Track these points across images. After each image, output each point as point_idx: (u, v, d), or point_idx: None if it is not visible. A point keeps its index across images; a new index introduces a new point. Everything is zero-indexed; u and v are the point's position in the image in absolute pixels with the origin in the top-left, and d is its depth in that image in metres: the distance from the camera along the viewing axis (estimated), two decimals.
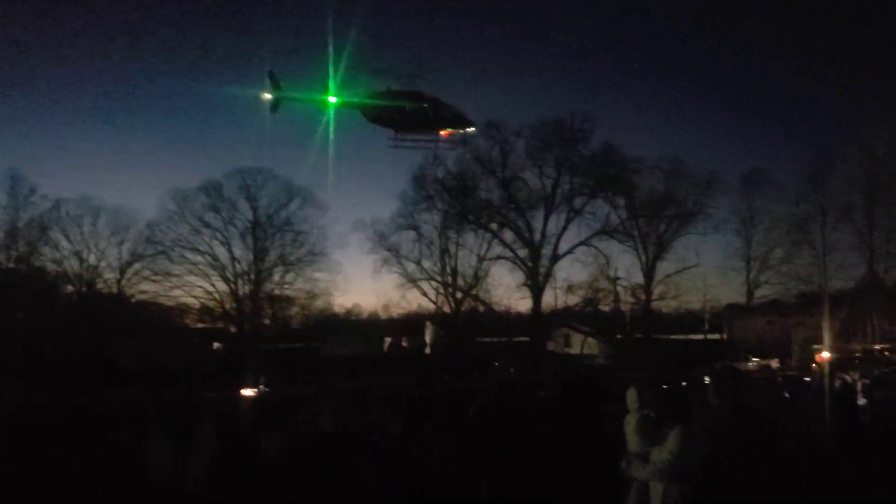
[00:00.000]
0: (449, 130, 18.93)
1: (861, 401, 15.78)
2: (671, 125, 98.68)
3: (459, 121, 18.65)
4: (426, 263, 52.47)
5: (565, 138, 50.29)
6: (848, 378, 18.71)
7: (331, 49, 18.06)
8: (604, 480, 5.83)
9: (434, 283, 53.05)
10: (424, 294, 53.19)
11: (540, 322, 50.20)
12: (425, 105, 17.66)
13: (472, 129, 20.98)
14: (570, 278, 52.52)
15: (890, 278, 49.65)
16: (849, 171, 47.78)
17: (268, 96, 17.30)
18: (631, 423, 5.54)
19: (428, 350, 55.40)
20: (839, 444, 11.55)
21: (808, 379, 20.22)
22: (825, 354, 27.20)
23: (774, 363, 27.78)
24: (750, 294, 52.69)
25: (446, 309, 53.12)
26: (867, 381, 18.39)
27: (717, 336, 51.67)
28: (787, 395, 18.09)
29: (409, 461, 8.31)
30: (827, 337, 31.18)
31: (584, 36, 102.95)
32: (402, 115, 17.70)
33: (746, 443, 4.97)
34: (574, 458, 6.24)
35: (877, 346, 36.57)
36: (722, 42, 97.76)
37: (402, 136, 18.40)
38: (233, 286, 50.09)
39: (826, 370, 15.82)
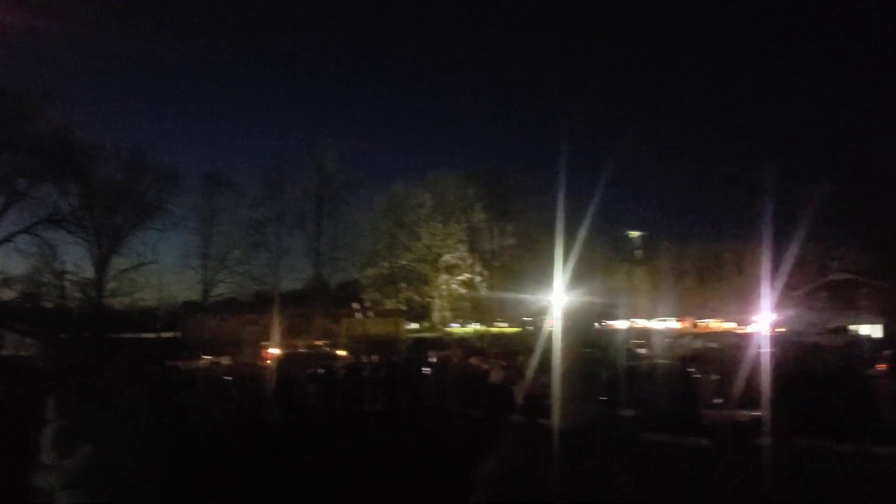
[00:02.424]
0: None
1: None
2: (140, 115, 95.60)
3: None
4: None
5: (11, 114, 44.18)
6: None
7: None
8: None
9: None
10: None
11: None
12: None
13: None
14: (6, 270, 46.54)
15: (334, 281, 57.00)
16: (302, 181, 53.47)
17: None
18: (47, 434, 5.27)
19: None
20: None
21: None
22: (274, 350, 29.57)
23: (226, 360, 28.88)
24: (206, 292, 54.21)
25: None
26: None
27: (171, 334, 51.60)
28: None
29: None
30: (275, 334, 34.04)
31: None
32: None
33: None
34: None
35: (319, 342, 41.22)
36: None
37: None
38: None
39: (275, 364, 16.95)
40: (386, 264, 54.89)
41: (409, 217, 55.22)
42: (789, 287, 42.98)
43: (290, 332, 40.72)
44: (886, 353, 15.82)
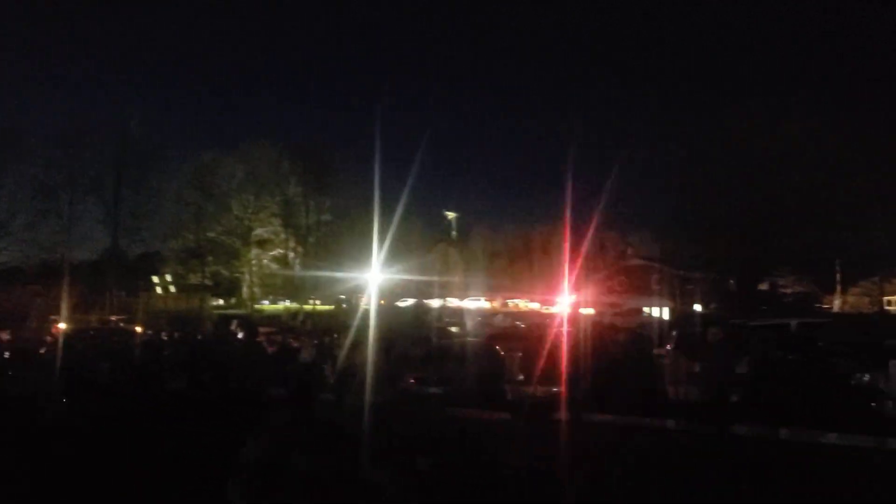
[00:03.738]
0: None
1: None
2: None
3: None
4: None
5: None
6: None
7: None
8: None
9: None
10: None
11: None
12: None
13: None
14: None
15: (133, 252, 53.56)
16: (101, 146, 49.57)
17: None
18: None
19: None
20: None
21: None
22: (62, 325, 27.38)
23: (5, 335, 26.36)
24: None
25: None
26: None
27: None
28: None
29: None
30: (64, 308, 31.57)
31: None
32: None
33: None
34: None
35: (113, 317, 38.71)
36: None
37: None
38: None
39: (62, 340, 15.86)
40: (191, 236, 52.35)
41: (219, 188, 52.93)
42: (591, 270, 46.29)
43: (82, 306, 37.99)
44: (671, 334, 17.42)
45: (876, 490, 7.81)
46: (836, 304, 51.59)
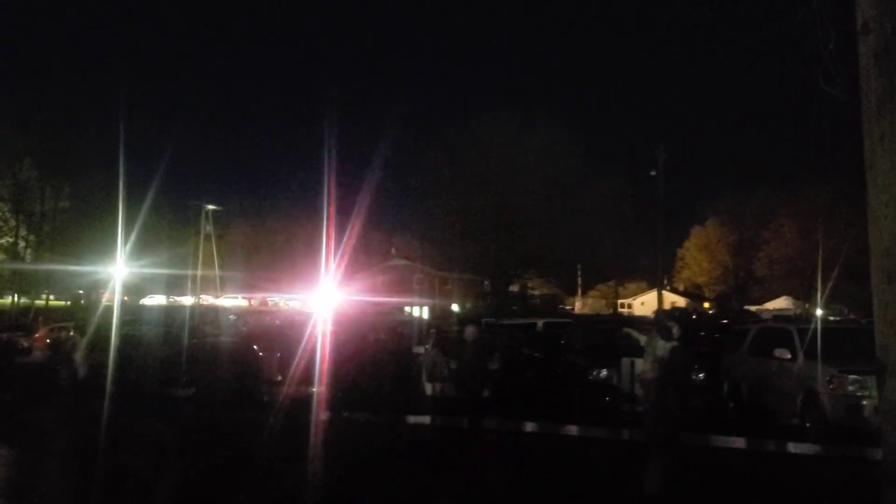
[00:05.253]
0: None
1: None
2: None
3: None
4: None
5: None
6: None
7: None
8: None
9: None
10: None
11: None
12: None
13: None
14: None
15: None
16: None
17: None
18: None
19: None
20: None
21: None
22: None
23: None
24: None
25: None
26: None
27: None
28: None
29: None
30: None
31: None
32: None
33: None
34: None
35: None
36: None
37: None
38: None
39: None
40: None
41: None
42: (355, 269, 46.58)
43: None
44: (429, 332, 17.96)
45: (612, 477, 8.56)
46: (578, 305, 56.52)
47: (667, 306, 43.17)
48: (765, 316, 37.31)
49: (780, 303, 57.50)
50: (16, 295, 48.42)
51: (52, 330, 20.54)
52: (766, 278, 55.73)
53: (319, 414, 10.39)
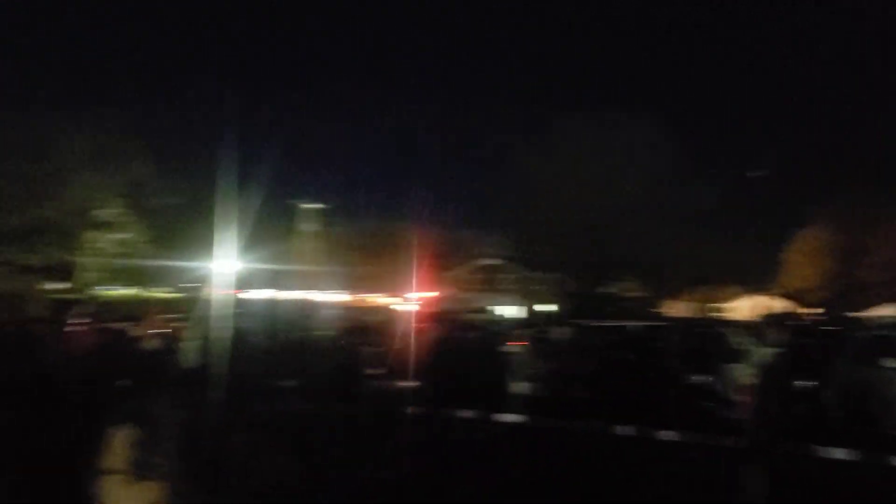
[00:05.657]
0: None
1: None
2: None
3: None
4: None
5: None
6: None
7: None
8: None
9: None
10: None
11: None
12: None
13: None
14: None
15: None
16: None
17: None
18: None
19: None
20: None
21: None
22: None
23: None
24: None
25: None
26: None
27: None
28: None
29: None
30: None
31: None
32: None
33: None
34: None
35: None
36: None
37: None
38: None
39: None
40: (20, 214, 48.06)
41: (57, 161, 48.87)
42: (448, 268, 47.11)
43: None
44: (519, 332, 17.99)
45: (713, 487, 8.42)
46: (671, 308, 55.24)
47: (765, 312, 41.63)
48: (873, 323, 35.61)
49: (885, 310, 54.74)
50: (128, 286, 50.94)
51: (162, 321, 21.54)
52: (871, 284, 53.21)
53: (414, 409, 10.64)
